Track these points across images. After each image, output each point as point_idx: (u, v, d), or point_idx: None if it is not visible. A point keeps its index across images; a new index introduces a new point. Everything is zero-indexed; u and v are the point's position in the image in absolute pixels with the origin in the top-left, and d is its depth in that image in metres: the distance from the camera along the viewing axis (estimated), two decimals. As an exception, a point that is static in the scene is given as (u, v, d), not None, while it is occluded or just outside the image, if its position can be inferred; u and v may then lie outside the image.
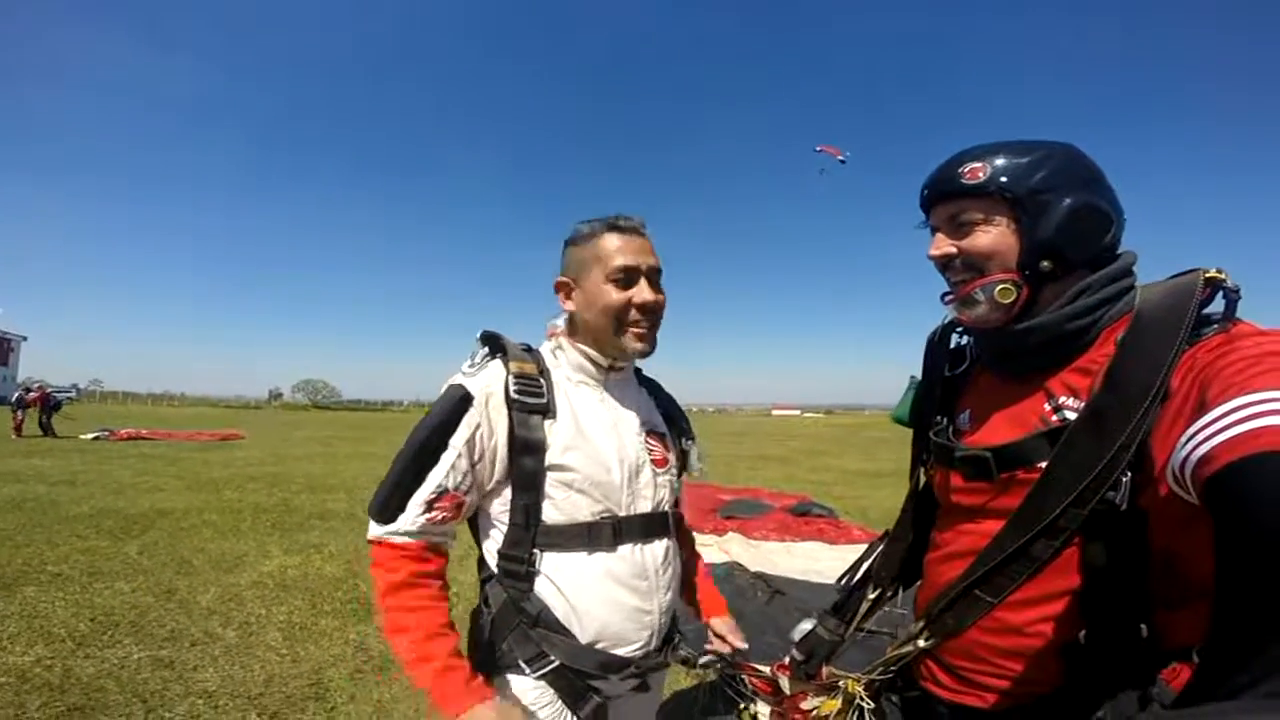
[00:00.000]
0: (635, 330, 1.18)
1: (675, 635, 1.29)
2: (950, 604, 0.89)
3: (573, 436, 1.14)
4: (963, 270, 0.93)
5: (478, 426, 1.10)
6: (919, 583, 1.13)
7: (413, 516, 1.08)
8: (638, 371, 1.39)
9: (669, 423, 1.36)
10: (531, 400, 1.13)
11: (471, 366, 1.16)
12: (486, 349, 1.19)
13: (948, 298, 0.99)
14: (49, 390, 18.10)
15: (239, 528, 6.35)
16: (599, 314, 1.17)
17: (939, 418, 1.07)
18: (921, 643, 0.94)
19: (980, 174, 0.89)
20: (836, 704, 1.07)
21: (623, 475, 1.18)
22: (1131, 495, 0.75)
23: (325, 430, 25.15)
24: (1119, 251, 0.92)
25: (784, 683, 1.22)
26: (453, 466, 1.09)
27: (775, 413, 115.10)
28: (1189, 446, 0.61)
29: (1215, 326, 0.75)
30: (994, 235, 0.90)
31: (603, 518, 1.15)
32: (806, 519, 6.73)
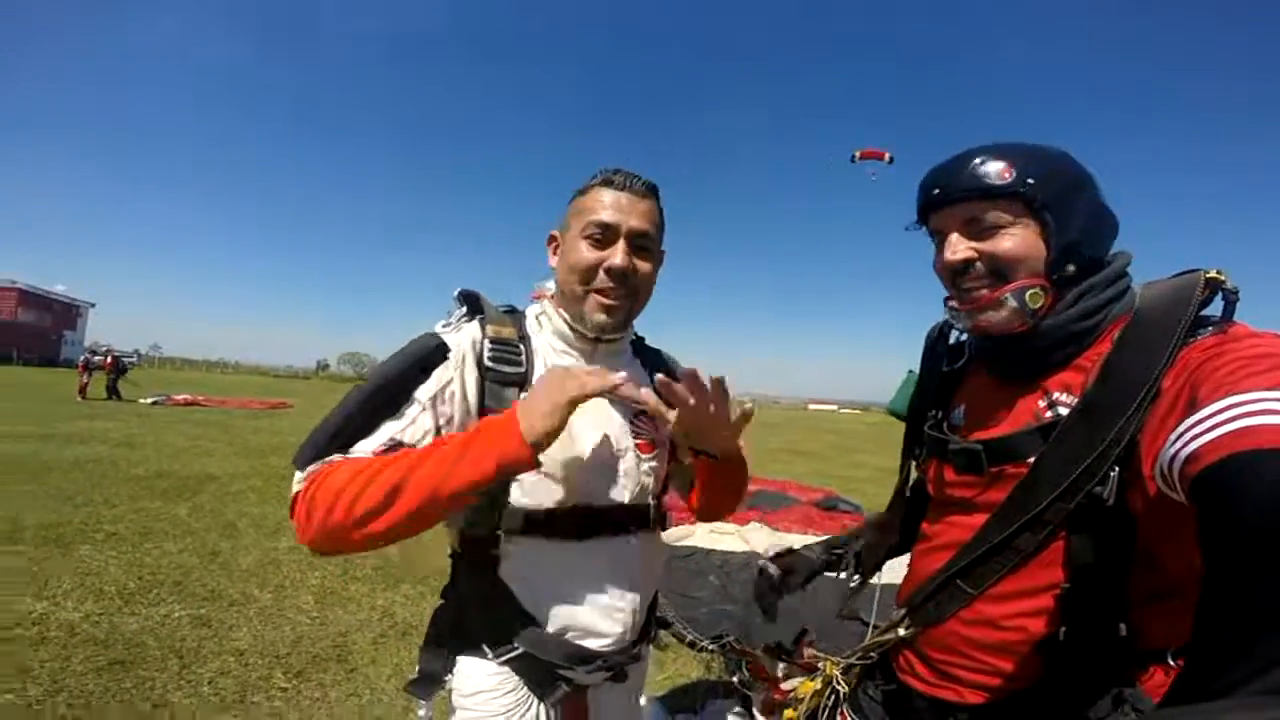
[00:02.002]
0: (600, 298, 1.06)
1: (653, 630, 1.23)
2: (931, 594, 0.90)
3: None
4: (985, 275, 0.89)
5: (449, 383, 0.99)
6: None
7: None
8: (639, 342, 1.28)
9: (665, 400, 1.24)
10: (507, 369, 1.03)
11: (447, 325, 1.06)
12: (464, 309, 1.09)
13: (960, 304, 0.93)
14: (116, 355, 19.13)
15: (282, 494, 6.55)
16: (567, 272, 1.08)
17: (935, 412, 1.05)
18: (902, 631, 0.95)
19: (1008, 174, 0.85)
20: (815, 685, 1.08)
21: (600, 462, 1.08)
22: (1119, 491, 0.75)
23: None
24: (1115, 252, 0.92)
25: (768, 664, 1.24)
26: (414, 421, 0.95)
27: (812, 407, 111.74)
28: (1177, 445, 0.62)
29: (1211, 328, 0.75)
30: (1021, 238, 0.86)
31: (575, 507, 1.05)
32: (832, 514, 6.54)
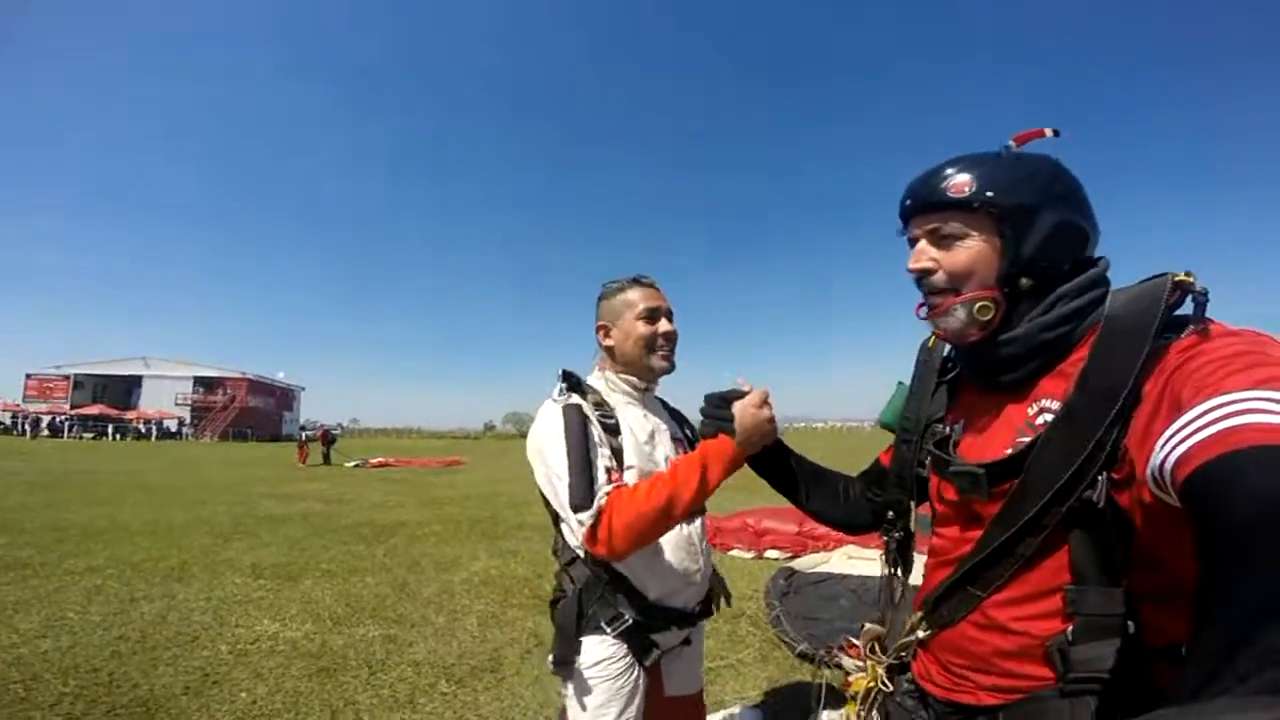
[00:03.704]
0: (660, 354, 1.54)
1: (715, 600, 1.64)
2: (942, 597, 0.95)
3: (635, 445, 1.47)
4: (942, 285, 0.92)
5: (591, 424, 1.41)
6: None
7: (601, 491, 1.29)
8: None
9: (683, 429, 1.71)
10: (608, 421, 1.45)
11: (561, 395, 1.45)
12: (564, 384, 1.48)
13: (924, 311, 0.97)
14: (327, 429, 22.59)
15: (457, 536, 7.47)
16: (634, 344, 1.52)
17: (939, 426, 1.07)
18: (920, 633, 1.00)
19: (966, 188, 0.87)
20: (867, 682, 1.14)
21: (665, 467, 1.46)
22: (1110, 494, 0.76)
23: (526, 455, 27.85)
24: (1094, 259, 0.91)
25: (845, 661, 1.31)
26: (600, 452, 1.37)
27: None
28: (1166, 449, 0.62)
29: (1187, 329, 0.75)
30: (975, 251, 0.89)
31: None
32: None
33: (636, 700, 1.45)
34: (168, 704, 2.59)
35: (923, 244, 0.93)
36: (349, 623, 4.04)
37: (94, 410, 40.55)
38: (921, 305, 0.98)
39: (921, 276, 0.93)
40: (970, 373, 1.02)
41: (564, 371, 1.51)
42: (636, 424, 1.52)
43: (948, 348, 1.11)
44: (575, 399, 1.44)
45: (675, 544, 1.48)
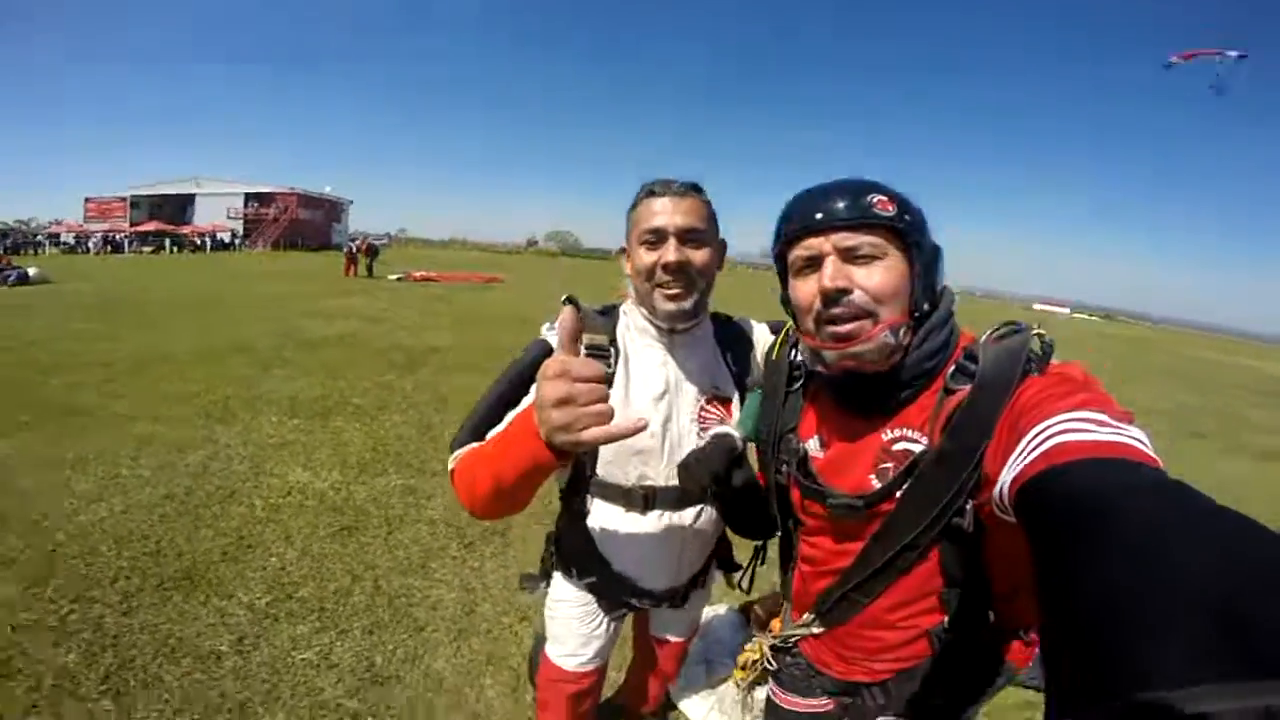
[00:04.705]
0: (664, 290, 1.20)
1: (708, 576, 1.51)
2: (832, 605, 1.08)
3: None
4: (861, 305, 0.89)
5: None
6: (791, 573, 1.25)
7: (463, 448, 1.10)
8: (726, 323, 1.40)
9: (740, 384, 1.33)
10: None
11: (552, 328, 1.22)
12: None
13: (835, 337, 0.92)
14: (371, 241, 22.82)
15: (486, 365, 7.70)
16: (635, 276, 1.25)
17: (792, 437, 1.11)
18: (815, 630, 1.14)
19: (891, 206, 0.88)
20: (754, 655, 1.31)
21: (664, 444, 1.25)
22: (977, 518, 0.87)
23: (569, 276, 27.90)
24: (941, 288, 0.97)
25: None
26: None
27: (1037, 307, 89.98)
28: (1005, 474, 0.69)
29: (1033, 371, 0.83)
30: (896, 273, 0.89)
31: (640, 484, 1.26)
32: None
33: (595, 646, 1.48)
34: (207, 572, 2.88)
35: (834, 260, 0.90)
36: (373, 470, 4.34)
37: (151, 227, 42.08)
38: (809, 334, 0.96)
39: (832, 297, 0.90)
40: (841, 396, 1.03)
41: (567, 298, 1.19)
42: (646, 375, 1.26)
43: (794, 354, 1.14)
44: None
45: (649, 533, 1.29)
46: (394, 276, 21.09)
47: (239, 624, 2.56)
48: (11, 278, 14.61)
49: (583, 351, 1.11)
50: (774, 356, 1.18)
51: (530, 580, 1.56)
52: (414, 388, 6.71)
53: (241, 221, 46.21)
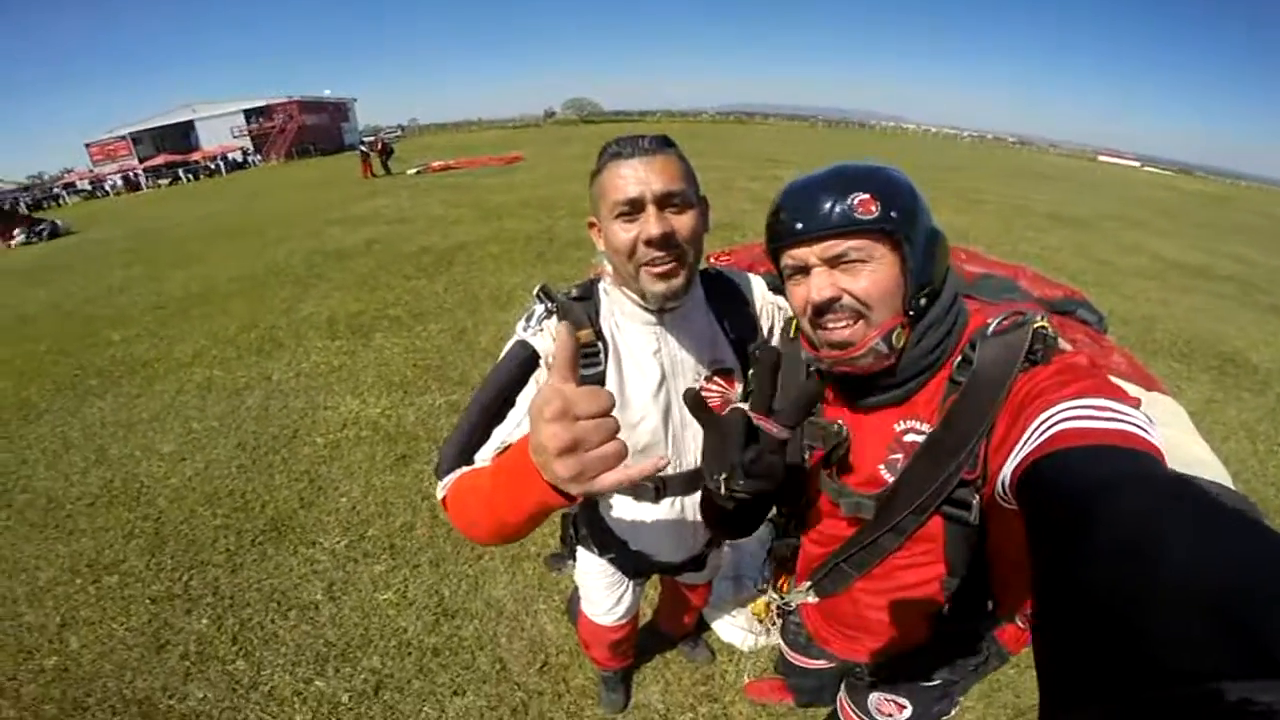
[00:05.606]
0: (650, 269, 1.05)
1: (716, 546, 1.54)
2: (826, 573, 1.13)
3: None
4: (846, 314, 0.89)
5: (539, 372, 1.09)
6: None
7: (450, 477, 1.02)
8: (717, 280, 1.26)
9: (741, 351, 1.23)
10: (588, 373, 1.10)
11: (528, 326, 1.13)
12: (542, 307, 1.15)
13: (829, 344, 0.92)
14: (383, 139, 21.85)
15: (512, 258, 7.67)
16: (614, 256, 1.08)
17: (818, 419, 1.08)
18: (810, 598, 1.20)
19: (873, 208, 0.85)
20: (760, 611, 1.44)
21: (669, 433, 1.20)
22: (982, 509, 0.88)
23: (590, 147, 26.13)
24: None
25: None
26: (518, 424, 1.03)
27: (1102, 159, 75.33)
28: (1009, 463, 0.71)
29: (1037, 361, 0.82)
30: (884, 274, 0.87)
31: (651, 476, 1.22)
32: (1065, 321, 5.14)
33: (626, 604, 1.61)
34: (291, 522, 3.13)
35: (821, 271, 0.89)
36: (416, 389, 4.47)
37: (161, 160, 41.95)
38: (807, 340, 0.98)
39: (822, 307, 0.90)
40: (844, 393, 1.03)
41: (541, 289, 1.17)
42: (640, 366, 1.16)
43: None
44: (540, 338, 1.10)
45: (661, 517, 1.31)
46: (412, 170, 20.28)
47: (326, 570, 2.82)
48: (46, 232, 15.55)
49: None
50: (791, 335, 1.11)
51: (557, 560, 1.68)
52: (445, 289, 6.71)
53: (249, 138, 46.19)
